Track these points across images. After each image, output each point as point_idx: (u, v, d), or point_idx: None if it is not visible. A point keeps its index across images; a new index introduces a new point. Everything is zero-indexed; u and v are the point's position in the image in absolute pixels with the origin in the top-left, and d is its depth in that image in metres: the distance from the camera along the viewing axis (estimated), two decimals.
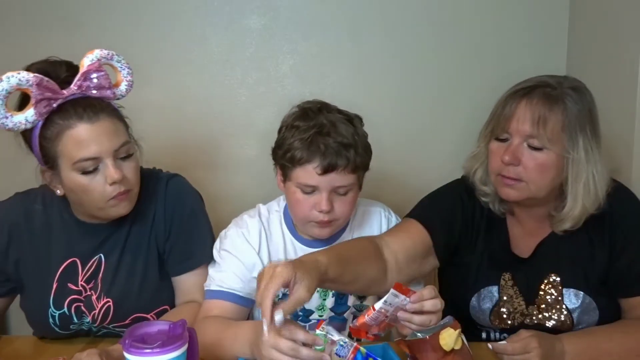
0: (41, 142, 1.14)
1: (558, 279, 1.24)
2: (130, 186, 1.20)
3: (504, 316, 1.27)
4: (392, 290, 0.97)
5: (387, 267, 1.18)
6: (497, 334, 1.31)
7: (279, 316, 0.90)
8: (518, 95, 1.18)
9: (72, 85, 1.14)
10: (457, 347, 0.99)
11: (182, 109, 1.83)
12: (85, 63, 1.16)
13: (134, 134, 1.23)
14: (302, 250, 1.29)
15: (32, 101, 1.09)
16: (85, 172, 1.14)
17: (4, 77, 1.05)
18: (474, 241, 1.30)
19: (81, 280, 1.27)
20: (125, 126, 1.20)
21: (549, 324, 1.24)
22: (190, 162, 1.78)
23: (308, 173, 1.17)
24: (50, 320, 1.27)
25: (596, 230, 1.23)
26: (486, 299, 1.28)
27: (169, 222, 1.30)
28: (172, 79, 1.82)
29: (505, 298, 1.26)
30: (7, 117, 1.08)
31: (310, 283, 0.92)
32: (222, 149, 1.86)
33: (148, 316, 1.28)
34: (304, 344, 0.92)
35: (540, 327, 1.23)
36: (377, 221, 1.36)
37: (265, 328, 0.91)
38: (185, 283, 1.31)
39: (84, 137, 1.12)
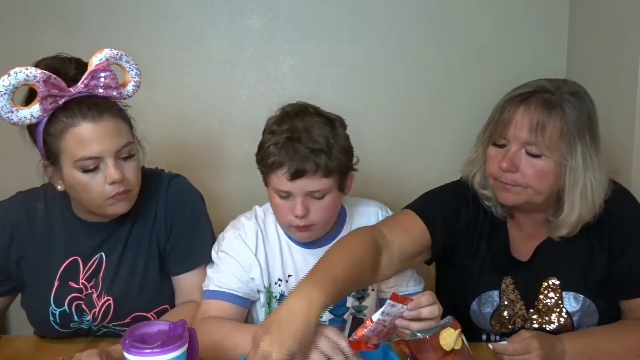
0: (45, 137, 1.14)
1: (557, 282, 1.23)
2: (130, 186, 1.20)
3: (505, 321, 1.26)
4: (388, 301, 0.97)
5: (380, 267, 1.17)
6: (497, 337, 1.30)
7: None
8: (516, 101, 1.16)
9: (79, 84, 1.14)
10: (457, 347, 0.99)
11: (182, 109, 1.83)
12: (94, 62, 1.16)
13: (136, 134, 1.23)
14: (298, 251, 1.29)
15: (38, 97, 1.09)
16: (85, 171, 1.14)
17: (11, 72, 1.06)
18: (475, 244, 1.28)
19: (82, 279, 1.27)
20: (129, 127, 1.21)
21: (549, 327, 1.23)
22: (190, 162, 1.78)
23: (279, 179, 1.17)
24: (51, 318, 1.27)
25: (595, 232, 1.22)
26: (487, 303, 1.27)
27: (170, 221, 1.30)
28: (172, 79, 1.81)
29: (506, 302, 1.25)
30: (12, 112, 1.08)
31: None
32: (221, 148, 1.86)
33: (148, 315, 1.28)
34: None
35: (540, 331, 1.21)
36: (375, 221, 1.35)
37: None
38: (185, 283, 1.31)
39: (86, 136, 1.13)
